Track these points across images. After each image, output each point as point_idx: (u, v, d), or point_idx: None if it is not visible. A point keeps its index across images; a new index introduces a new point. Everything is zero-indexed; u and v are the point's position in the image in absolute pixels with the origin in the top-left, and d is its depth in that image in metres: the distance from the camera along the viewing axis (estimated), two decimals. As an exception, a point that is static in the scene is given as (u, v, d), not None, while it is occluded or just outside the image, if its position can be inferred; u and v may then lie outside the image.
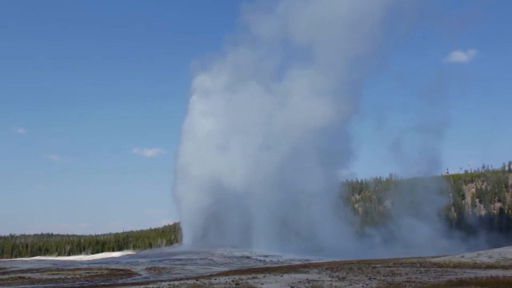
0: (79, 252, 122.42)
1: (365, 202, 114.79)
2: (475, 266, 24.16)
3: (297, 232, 60.69)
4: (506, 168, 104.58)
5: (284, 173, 62.38)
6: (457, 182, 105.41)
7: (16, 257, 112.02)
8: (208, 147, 65.38)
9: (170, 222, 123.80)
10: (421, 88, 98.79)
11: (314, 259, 41.32)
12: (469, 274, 19.92)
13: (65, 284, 21.91)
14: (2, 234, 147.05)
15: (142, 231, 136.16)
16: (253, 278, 19.24)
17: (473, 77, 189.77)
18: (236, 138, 65.05)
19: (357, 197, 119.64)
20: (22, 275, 25.71)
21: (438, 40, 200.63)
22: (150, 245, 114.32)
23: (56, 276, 25.34)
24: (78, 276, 25.49)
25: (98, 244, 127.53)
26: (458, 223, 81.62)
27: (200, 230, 61.42)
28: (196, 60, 76.29)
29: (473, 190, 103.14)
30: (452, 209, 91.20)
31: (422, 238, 63.28)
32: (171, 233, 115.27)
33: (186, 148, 67.44)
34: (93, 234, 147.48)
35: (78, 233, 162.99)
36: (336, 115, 66.39)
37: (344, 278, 19.01)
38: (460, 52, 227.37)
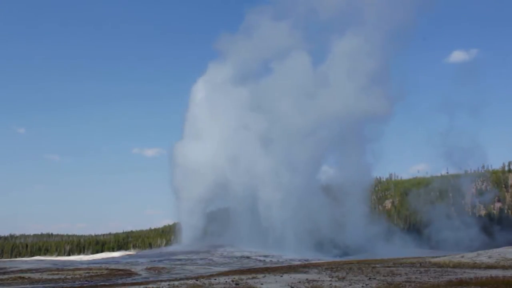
0: (79, 252, 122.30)
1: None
2: (475, 266, 24.16)
3: (327, 233, 56.66)
4: (506, 168, 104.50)
5: (314, 168, 58.49)
6: (456, 182, 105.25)
7: (16, 257, 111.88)
8: (213, 140, 60.55)
9: (170, 222, 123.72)
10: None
11: (314, 259, 41.26)
12: (469, 274, 19.91)
13: (65, 284, 21.90)
14: (2, 234, 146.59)
15: (142, 231, 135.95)
16: (253, 278, 19.23)
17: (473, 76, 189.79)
18: (256, 129, 59.29)
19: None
20: (22, 275, 25.70)
21: (439, 40, 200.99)
22: (150, 245, 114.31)
23: (56, 276, 25.34)
24: (78, 276, 25.48)
25: (98, 244, 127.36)
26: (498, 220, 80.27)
27: (200, 230, 60.69)
28: (220, 38, 70.34)
29: (473, 190, 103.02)
30: (452, 208, 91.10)
31: (458, 237, 61.48)
32: (171, 233, 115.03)
33: (188, 141, 62.55)
34: (93, 234, 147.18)
35: (78, 233, 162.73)
36: (380, 101, 61.52)
37: (344, 278, 19.01)
38: (462, 51, 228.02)
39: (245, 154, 58.82)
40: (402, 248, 57.54)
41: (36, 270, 29.79)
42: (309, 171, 59.34)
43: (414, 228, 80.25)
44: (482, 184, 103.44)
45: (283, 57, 62.86)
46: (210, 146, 60.78)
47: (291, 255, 46.04)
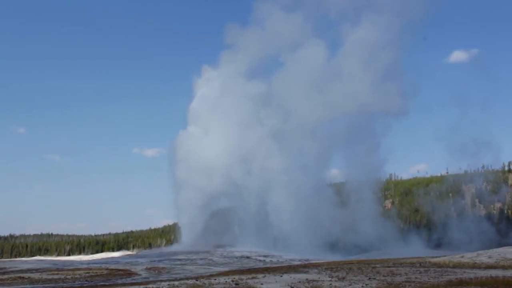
0: (79, 252, 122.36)
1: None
2: (474, 266, 24.16)
3: (338, 233, 54.63)
4: (506, 168, 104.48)
5: (322, 166, 56.58)
6: (456, 182, 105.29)
7: (16, 257, 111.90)
8: (217, 135, 57.99)
9: (170, 222, 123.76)
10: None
11: (314, 259, 41.19)
12: (469, 274, 19.91)
13: (65, 284, 21.90)
14: (2, 234, 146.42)
15: (142, 231, 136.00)
16: (252, 278, 19.22)
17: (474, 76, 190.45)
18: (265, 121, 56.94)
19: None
20: (21, 275, 25.69)
21: (440, 39, 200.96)
22: (150, 245, 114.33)
23: (55, 276, 25.33)
24: (77, 276, 25.48)
25: (98, 244, 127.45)
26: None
27: (200, 230, 60.12)
28: (230, 26, 67.04)
29: (473, 190, 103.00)
30: (452, 209, 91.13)
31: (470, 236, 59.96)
32: (171, 233, 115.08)
33: (190, 136, 59.89)
34: (93, 234, 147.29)
35: (78, 233, 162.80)
36: (394, 97, 59.60)
37: (344, 278, 19.01)
38: (462, 51, 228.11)
39: (253, 151, 57.12)
40: (420, 248, 55.73)
41: (36, 270, 29.78)
42: (319, 170, 58.30)
43: (414, 228, 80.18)
44: (482, 184, 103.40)
45: (294, 49, 61.13)
46: (213, 142, 58.86)
47: (304, 256, 44.50)
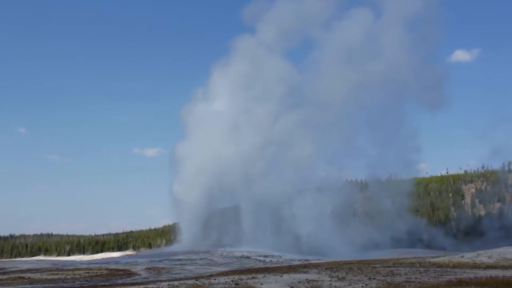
0: (79, 252, 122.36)
1: (365, 202, 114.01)
2: (474, 266, 24.16)
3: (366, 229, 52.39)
4: (506, 168, 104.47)
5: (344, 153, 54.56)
6: (456, 182, 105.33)
7: (16, 257, 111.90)
8: (220, 129, 56.16)
9: (170, 222, 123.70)
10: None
11: (314, 259, 41.11)
12: (469, 274, 19.91)
13: (65, 284, 21.90)
14: (2, 234, 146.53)
15: (142, 231, 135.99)
16: (252, 278, 19.22)
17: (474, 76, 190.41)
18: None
19: (357, 196, 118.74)
20: (21, 275, 25.69)
21: (441, 39, 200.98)
22: (150, 245, 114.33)
23: (55, 276, 25.33)
24: (77, 276, 25.48)
25: (98, 244, 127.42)
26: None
27: (200, 230, 59.86)
28: (247, 10, 65.36)
29: (473, 190, 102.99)
30: (452, 209, 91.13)
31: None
32: (170, 233, 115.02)
33: (191, 133, 57.76)
34: (93, 234, 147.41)
35: (78, 233, 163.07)
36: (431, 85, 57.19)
37: (343, 278, 19.00)
38: (463, 51, 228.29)
39: (273, 144, 55.34)
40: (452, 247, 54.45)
41: (36, 270, 29.77)
42: (347, 163, 56.96)
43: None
44: (482, 184, 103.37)
45: (326, 25, 59.25)
46: (212, 145, 57.38)
47: (337, 257, 42.29)
